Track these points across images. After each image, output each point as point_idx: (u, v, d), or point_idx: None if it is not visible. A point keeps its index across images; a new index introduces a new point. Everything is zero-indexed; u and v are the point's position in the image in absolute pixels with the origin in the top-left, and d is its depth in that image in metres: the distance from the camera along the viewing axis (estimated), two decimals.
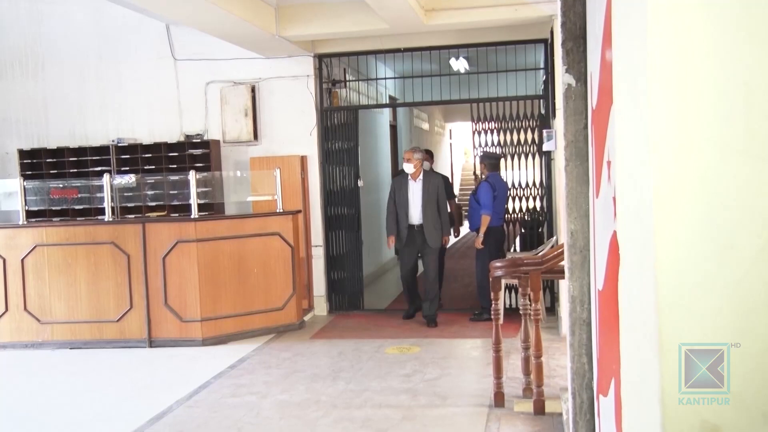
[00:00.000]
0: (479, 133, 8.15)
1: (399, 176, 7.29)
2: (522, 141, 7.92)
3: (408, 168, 7.04)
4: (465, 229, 10.34)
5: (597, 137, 2.46)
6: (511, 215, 8.06)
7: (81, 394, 5.40)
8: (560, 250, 4.55)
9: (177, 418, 4.67)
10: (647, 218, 1.37)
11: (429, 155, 7.56)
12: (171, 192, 7.83)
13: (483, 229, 7.12)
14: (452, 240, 8.11)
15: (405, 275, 7.25)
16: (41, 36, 8.32)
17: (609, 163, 2.12)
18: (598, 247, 2.54)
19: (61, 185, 7.92)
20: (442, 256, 7.78)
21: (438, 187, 7.02)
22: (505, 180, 7.67)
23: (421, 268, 7.40)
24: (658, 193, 1.32)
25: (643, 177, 1.41)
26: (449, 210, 7.60)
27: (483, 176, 7.44)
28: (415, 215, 7.02)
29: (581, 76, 2.84)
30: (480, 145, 8.13)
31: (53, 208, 7.99)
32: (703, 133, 1.31)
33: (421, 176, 7.05)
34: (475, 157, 8.24)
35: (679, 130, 1.32)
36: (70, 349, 6.65)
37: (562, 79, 2.92)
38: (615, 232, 2.03)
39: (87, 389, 5.51)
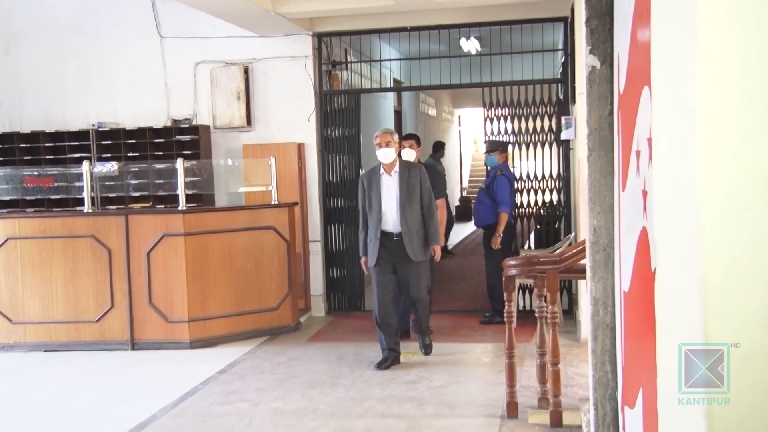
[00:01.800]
0: (491, 120, 8.12)
1: (368, 171, 6.07)
2: (538, 129, 7.89)
3: (386, 155, 5.80)
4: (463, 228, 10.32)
5: (624, 125, 2.44)
6: (525, 209, 8.06)
7: (56, 400, 5.40)
8: (580, 247, 4.54)
9: (162, 428, 4.67)
10: (692, 214, 1.36)
11: (416, 141, 6.72)
12: (156, 181, 7.84)
13: (501, 228, 7.05)
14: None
15: (382, 309, 5.79)
16: (14, 8, 8.31)
17: (638, 153, 2.10)
18: (623, 244, 2.52)
19: (35, 173, 7.92)
20: (431, 273, 6.44)
21: (421, 181, 5.85)
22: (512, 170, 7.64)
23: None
24: (707, 186, 1.30)
25: (686, 168, 1.39)
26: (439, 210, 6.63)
27: (498, 171, 7.22)
28: (391, 220, 5.78)
29: (607, 58, 2.81)
30: (492, 134, 8.11)
31: (27, 198, 8.00)
32: (764, 119, 1.28)
33: (397, 168, 5.84)
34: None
35: (735, 115, 1.30)
36: (45, 351, 6.65)
37: (585, 60, 2.89)
38: (644, 229, 2.01)
39: (62, 395, 5.51)
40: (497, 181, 7.17)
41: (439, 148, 12.08)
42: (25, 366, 6.34)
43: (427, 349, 6.11)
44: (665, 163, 1.64)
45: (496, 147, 7.50)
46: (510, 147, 8.03)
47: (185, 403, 5.11)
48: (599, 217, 2.95)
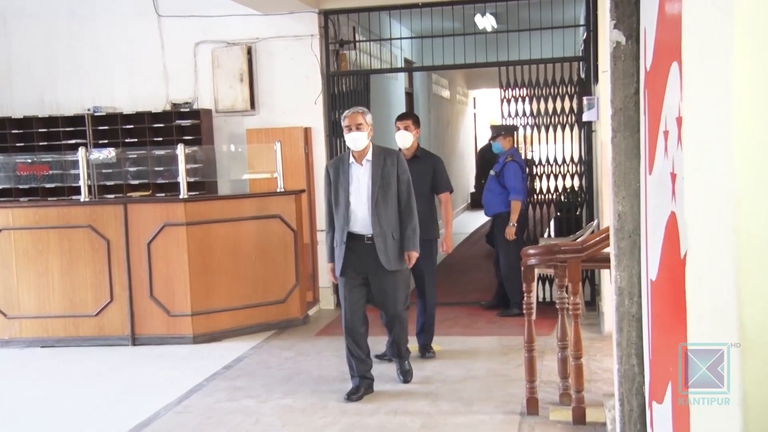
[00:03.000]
0: (508, 101, 8.10)
1: (335, 160, 5.38)
2: (558, 110, 7.87)
3: (355, 141, 5.03)
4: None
5: (651, 104, 2.44)
6: (544, 196, 8.04)
7: (54, 398, 5.45)
8: (603, 235, 4.53)
9: (165, 426, 4.71)
10: (727, 196, 1.36)
11: (413, 122, 6.02)
12: (156, 168, 7.87)
13: (514, 217, 7.06)
14: (441, 255, 6.45)
15: (351, 330, 5.11)
16: None
17: (666, 133, 2.10)
18: (650, 231, 2.52)
19: (29, 160, 7.97)
20: (420, 283, 6.01)
21: (399, 171, 5.10)
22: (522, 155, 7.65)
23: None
24: (744, 167, 1.30)
25: (721, 148, 1.39)
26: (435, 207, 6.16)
27: (508, 157, 7.23)
28: (361, 219, 5.03)
29: (632, 33, 2.80)
30: (510, 116, 8.09)
31: (20, 187, 8.05)
32: None
33: (369, 157, 5.08)
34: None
35: None
36: (42, 347, 6.71)
37: (609, 36, 2.89)
38: (673, 214, 2.01)
39: (61, 393, 5.56)
40: (507, 168, 7.17)
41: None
42: (22, 363, 6.41)
43: (406, 376, 5.39)
44: (697, 143, 1.64)
45: (499, 132, 7.53)
46: (527, 130, 8.01)
47: (189, 400, 5.15)
48: (624, 202, 2.95)
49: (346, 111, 5.16)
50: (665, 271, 2.16)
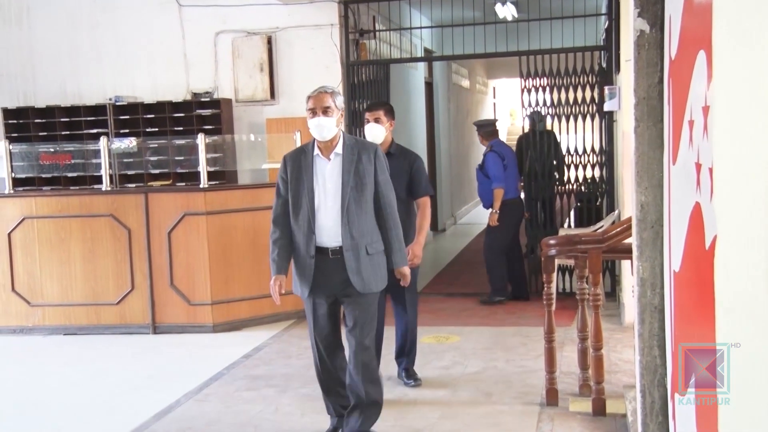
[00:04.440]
0: (528, 90, 8.04)
1: (295, 151, 4.24)
2: (578, 100, 7.80)
3: (321, 128, 3.99)
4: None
5: (676, 93, 2.40)
6: (564, 186, 8.00)
7: (77, 385, 5.51)
8: (625, 225, 4.50)
9: (185, 414, 4.75)
10: (760, 185, 1.34)
11: (385, 113, 5.07)
12: (176, 158, 7.90)
13: (497, 204, 7.24)
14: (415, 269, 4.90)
15: (322, 361, 4.23)
16: None
17: (691, 122, 2.07)
18: (674, 221, 2.49)
19: (51, 149, 8.02)
20: (399, 299, 5.12)
21: (377, 169, 4.08)
22: (509, 146, 7.81)
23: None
24: None
25: (753, 138, 1.37)
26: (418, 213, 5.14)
27: (488, 148, 7.48)
28: (327, 227, 4.00)
29: (657, 21, 2.76)
30: (530, 105, 8.04)
31: (43, 176, 8.10)
32: None
33: (339, 149, 4.04)
34: (523, 119, 8.13)
35: None
36: (64, 335, 6.78)
37: (633, 24, 2.85)
38: (697, 204, 1.98)
39: (84, 380, 5.62)
40: (487, 159, 7.38)
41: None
42: (45, 350, 6.47)
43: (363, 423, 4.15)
44: (728, 132, 1.61)
45: (478, 131, 7.78)
46: (547, 120, 7.97)
47: (209, 389, 5.18)
48: (647, 192, 2.92)
49: (312, 91, 4.08)
50: (689, 262, 2.13)
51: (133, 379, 5.57)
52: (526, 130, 8.01)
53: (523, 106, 8.11)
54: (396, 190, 4.28)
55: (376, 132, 5.00)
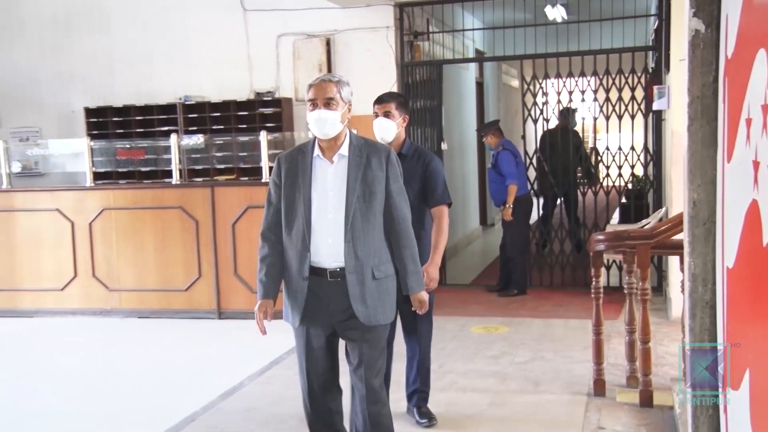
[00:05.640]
0: (582, 92, 7.90)
1: (291, 151, 3.33)
2: (626, 99, 7.62)
3: (323, 124, 3.14)
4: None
5: (732, 91, 2.32)
6: (613, 184, 7.86)
7: (149, 364, 5.63)
8: (673, 222, 4.38)
9: (249, 395, 4.80)
10: None
11: (397, 106, 4.07)
12: (240, 154, 7.98)
13: (511, 200, 7.18)
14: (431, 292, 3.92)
15: (313, 405, 3.39)
16: None
17: (748, 121, 1.99)
18: (728, 219, 2.41)
19: (127, 146, 8.19)
20: (409, 323, 4.17)
21: (388, 173, 3.22)
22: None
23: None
24: None
25: None
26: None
27: (499, 147, 7.39)
28: (326, 244, 3.17)
29: (712, 21, 2.66)
30: (560, 102, 7.98)
31: (119, 170, 8.28)
32: None
33: (344, 151, 3.21)
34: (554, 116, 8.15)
35: None
36: (138, 318, 6.92)
37: (688, 24, 2.75)
38: (754, 202, 1.91)
39: (154, 361, 5.73)
40: (500, 157, 7.30)
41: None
42: (122, 331, 6.63)
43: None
44: None
45: (482, 132, 7.75)
46: (596, 119, 7.83)
47: (271, 371, 5.23)
48: (699, 190, 2.82)
49: (313, 80, 3.25)
50: (745, 258, 2.05)
51: (200, 360, 5.66)
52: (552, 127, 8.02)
53: (562, 104, 7.97)
54: (408, 195, 3.38)
55: (385, 128, 4.01)
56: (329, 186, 3.19)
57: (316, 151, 3.22)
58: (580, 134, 9.27)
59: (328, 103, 3.14)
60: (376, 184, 3.19)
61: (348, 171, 3.19)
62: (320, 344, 3.28)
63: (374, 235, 3.19)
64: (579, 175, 8.86)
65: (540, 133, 8.13)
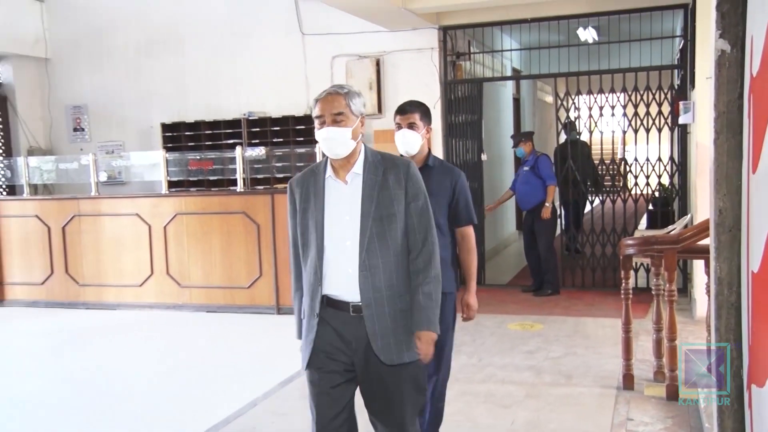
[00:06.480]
0: (612, 107, 7.78)
1: (304, 173, 2.74)
2: (653, 114, 7.49)
3: (332, 141, 2.58)
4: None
5: (757, 107, 2.26)
6: (641, 193, 7.73)
7: (216, 354, 5.72)
8: (698, 228, 4.28)
9: (305, 383, 4.82)
10: None
11: (421, 116, 3.41)
12: (297, 164, 8.04)
13: (550, 198, 7.22)
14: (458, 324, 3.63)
15: None
16: (181, 15, 8.74)
17: None
18: (753, 226, 2.35)
19: (198, 157, 8.33)
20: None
21: (408, 191, 2.60)
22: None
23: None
24: None
25: None
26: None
27: (537, 153, 7.47)
28: (340, 274, 2.58)
29: (737, 41, 2.60)
30: (567, 117, 7.93)
31: (190, 179, 8.43)
32: None
33: (359, 169, 2.62)
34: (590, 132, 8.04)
35: None
36: (206, 312, 7.04)
37: (714, 45, 2.69)
38: None
39: (221, 351, 5.83)
40: (540, 161, 7.34)
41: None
42: (192, 324, 6.76)
43: None
44: None
45: (519, 139, 7.65)
46: (625, 132, 7.70)
47: None
48: (725, 199, 2.76)
49: (321, 92, 2.65)
50: None
51: (260, 352, 5.72)
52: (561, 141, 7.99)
53: (594, 118, 7.85)
54: (435, 215, 2.70)
55: (410, 141, 3.37)
56: (344, 209, 2.58)
57: (329, 171, 2.63)
58: (589, 145, 9.39)
59: (337, 119, 2.56)
60: (395, 204, 2.57)
61: (363, 190, 2.58)
62: (331, 383, 2.60)
63: (394, 262, 2.55)
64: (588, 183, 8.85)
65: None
